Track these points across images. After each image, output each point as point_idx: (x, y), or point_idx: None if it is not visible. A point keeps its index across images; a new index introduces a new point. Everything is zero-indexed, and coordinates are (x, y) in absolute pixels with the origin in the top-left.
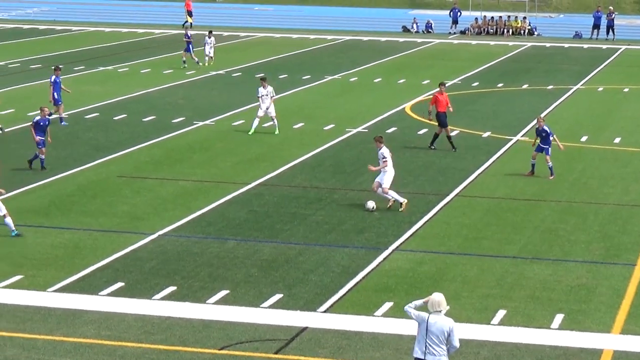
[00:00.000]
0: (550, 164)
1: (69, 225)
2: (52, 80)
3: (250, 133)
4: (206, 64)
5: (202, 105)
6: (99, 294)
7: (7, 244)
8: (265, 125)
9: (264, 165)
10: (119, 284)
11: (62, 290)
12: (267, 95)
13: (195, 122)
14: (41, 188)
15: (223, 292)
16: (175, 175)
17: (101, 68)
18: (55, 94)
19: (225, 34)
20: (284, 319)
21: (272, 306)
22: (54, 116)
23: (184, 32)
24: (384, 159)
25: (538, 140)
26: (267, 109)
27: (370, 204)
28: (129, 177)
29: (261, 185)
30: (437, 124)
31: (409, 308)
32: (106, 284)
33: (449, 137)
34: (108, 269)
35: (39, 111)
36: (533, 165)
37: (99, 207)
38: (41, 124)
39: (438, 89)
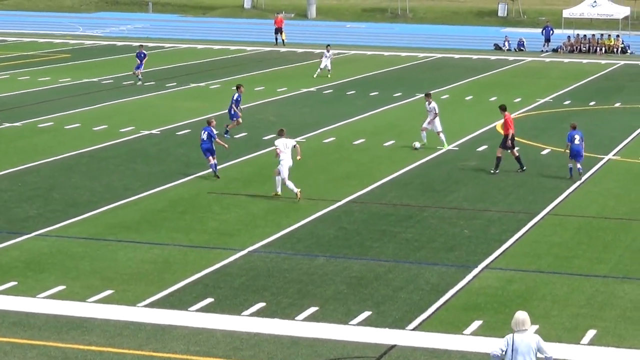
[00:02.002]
0: (577, 167)
1: (160, 241)
2: (235, 98)
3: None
4: (328, 76)
5: (293, 122)
6: (189, 309)
7: (98, 259)
8: (357, 142)
9: (354, 182)
10: (209, 300)
11: (151, 305)
12: (429, 110)
13: None
14: (132, 204)
15: (312, 309)
16: (265, 191)
17: (193, 85)
18: (232, 109)
19: (317, 51)
20: (373, 337)
21: (360, 323)
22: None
23: (139, 49)
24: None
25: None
26: (428, 124)
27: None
28: (219, 193)
29: (351, 202)
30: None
31: (494, 352)
32: (196, 300)
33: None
34: (198, 285)
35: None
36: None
37: (189, 223)
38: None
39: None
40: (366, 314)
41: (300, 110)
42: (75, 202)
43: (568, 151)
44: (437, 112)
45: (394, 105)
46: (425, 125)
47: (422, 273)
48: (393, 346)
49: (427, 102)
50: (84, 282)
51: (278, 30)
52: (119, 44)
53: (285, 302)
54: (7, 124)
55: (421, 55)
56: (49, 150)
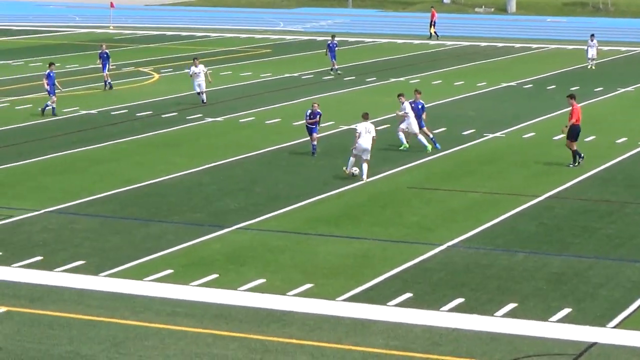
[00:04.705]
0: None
1: (359, 235)
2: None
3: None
4: (593, 67)
5: (492, 117)
6: (387, 304)
7: (298, 253)
8: (557, 137)
9: (554, 178)
10: (407, 295)
11: (351, 299)
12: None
13: (485, 134)
14: (334, 198)
15: (511, 305)
16: (465, 187)
17: (392, 80)
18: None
19: (517, 45)
20: (573, 334)
21: (560, 320)
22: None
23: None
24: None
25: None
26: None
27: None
28: (419, 188)
29: (551, 198)
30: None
31: None
32: (395, 294)
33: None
34: (397, 279)
35: None
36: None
37: (389, 217)
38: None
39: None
40: (566, 310)
41: (500, 105)
42: (276, 195)
43: None
44: (406, 112)
45: (595, 100)
46: (401, 126)
47: (623, 270)
48: (594, 344)
49: (400, 103)
50: (284, 276)
51: (433, 23)
52: (319, 38)
53: (484, 298)
54: (209, 119)
55: (623, 49)
56: (251, 145)
